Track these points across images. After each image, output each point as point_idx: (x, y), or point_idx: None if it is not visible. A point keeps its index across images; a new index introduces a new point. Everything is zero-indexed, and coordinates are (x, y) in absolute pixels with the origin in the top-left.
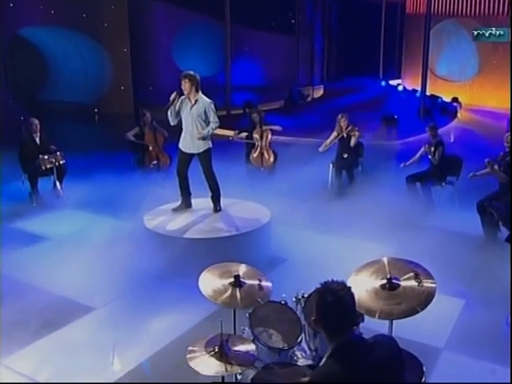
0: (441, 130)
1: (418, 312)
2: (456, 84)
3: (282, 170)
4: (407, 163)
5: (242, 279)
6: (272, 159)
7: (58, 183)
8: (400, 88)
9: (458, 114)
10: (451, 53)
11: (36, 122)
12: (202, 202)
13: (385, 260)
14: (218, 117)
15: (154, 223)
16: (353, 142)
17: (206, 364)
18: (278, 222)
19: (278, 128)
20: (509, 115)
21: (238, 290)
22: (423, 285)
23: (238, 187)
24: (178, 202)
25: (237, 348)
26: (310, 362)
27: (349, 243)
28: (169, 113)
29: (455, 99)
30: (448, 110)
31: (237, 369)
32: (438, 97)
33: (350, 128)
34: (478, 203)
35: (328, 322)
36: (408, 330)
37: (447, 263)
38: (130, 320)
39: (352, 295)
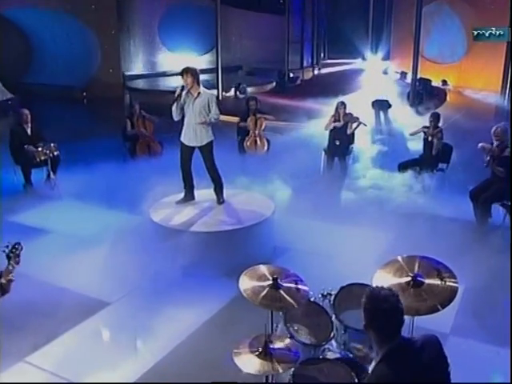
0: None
1: (443, 308)
2: (443, 66)
3: (274, 156)
4: (412, 132)
5: (279, 281)
6: (265, 147)
7: (52, 174)
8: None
9: (448, 97)
10: (440, 35)
11: (26, 112)
12: (204, 193)
13: (399, 258)
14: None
15: (160, 216)
16: (350, 130)
17: (252, 363)
18: (277, 211)
19: (271, 118)
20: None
21: (276, 291)
22: (446, 282)
23: (234, 176)
24: (182, 195)
25: (280, 347)
26: (337, 356)
27: (348, 231)
28: (174, 108)
29: (444, 82)
30: (438, 93)
31: (282, 367)
32: (427, 79)
33: (348, 117)
34: (470, 191)
35: (382, 328)
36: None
37: (444, 249)
38: (146, 313)
39: (400, 300)
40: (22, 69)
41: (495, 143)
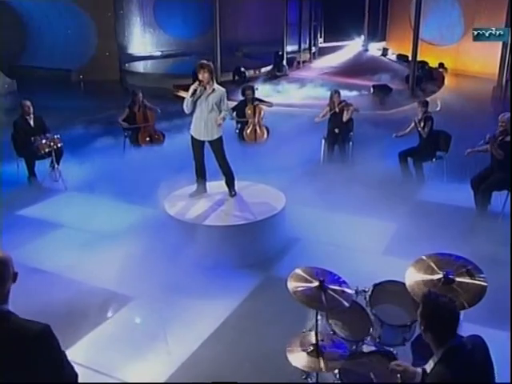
0: (430, 98)
1: (472, 306)
2: (440, 48)
3: (273, 145)
4: (398, 134)
5: (325, 284)
6: (265, 135)
7: (56, 166)
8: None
9: (445, 81)
10: (437, 16)
11: (28, 103)
12: (216, 185)
13: (424, 257)
14: None
15: (176, 210)
16: (345, 117)
17: (304, 361)
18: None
19: (269, 104)
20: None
21: (323, 293)
22: (476, 280)
23: (237, 166)
24: (194, 187)
25: (329, 344)
26: (372, 349)
27: (353, 220)
28: (187, 102)
29: (441, 65)
30: (436, 77)
31: (334, 365)
32: (424, 62)
33: (343, 104)
34: (471, 180)
35: (441, 332)
36: None
37: (445, 236)
38: (172, 307)
39: (456, 306)
40: (16, 51)
41: (499, 129)
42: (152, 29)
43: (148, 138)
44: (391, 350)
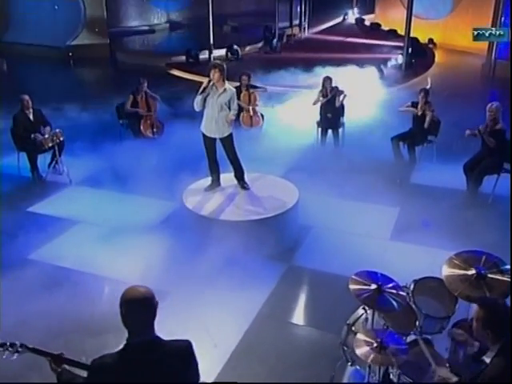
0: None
1: (507, 297)
2: (428, 23)
3: (267, 130)
4: (401, 109)
5: (383, 287)
6: (261, 121)
7: (59, 160)
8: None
9: (436, 58)
10: None
11: (27, 97)
12: (229, 178)
13: (454, 256)
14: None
15: (194, 204)
16: (337, 102)
17: (368, 355)
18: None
19: (263, 90)
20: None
21: (381, 295)
22: (505, 276)
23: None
24: (209, 182)
25: (388, 339)
26: (413, 338)
27: (357, 206)
28: (198, 100)
29: (431, 40)
30: (427, 54)
31: (396, 360)
32: (414, 38)
33: (335, 90)
34: (464, 165)
35: (500, 330)
36: None
37: (444, 219)
38: (206, 301)
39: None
40: (1, 28)
41: (488, 118)
42: (141, 3)
43: (149, 128)
44: (428, 337)
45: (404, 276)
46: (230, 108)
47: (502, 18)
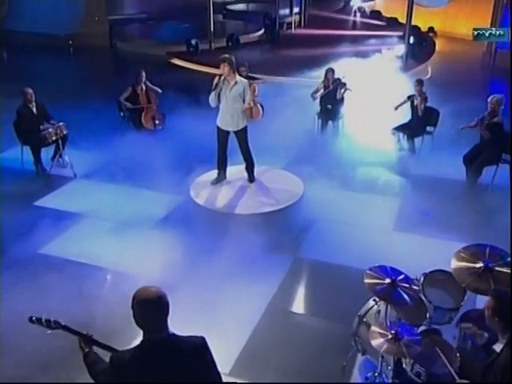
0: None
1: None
2: (429, 11)
3: (267, 121)
4: (396, 106)
5: (398, 282)
6: (261, 112)
7: (63, 153)
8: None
9: (436, 47)
10: None
11: (30, 91)
12: (235, 170)
13: (461, 250)
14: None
15: (202, 198)
16: (339, 95)
17: (384, 346)
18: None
19: (262, 80)
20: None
21: (393, 288)
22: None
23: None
24: (215, 175)
25: (402, 331)
26: (424, 328)
27: (359, 197)
28: (212, 96)
29: (431, 29)
30: (428, 43)
31: (410, 351)
32: (416, 26)
33: (337, 82)
34: (464, 157)
35: (508, 319)
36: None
37: (445, 209)
38: (218, 293)
39: None
40: (1, 15)
41: (488, 110)
42: None
43: (151, 121)
44: (436, 327)
45: (408, 266)
46: (244, 100)
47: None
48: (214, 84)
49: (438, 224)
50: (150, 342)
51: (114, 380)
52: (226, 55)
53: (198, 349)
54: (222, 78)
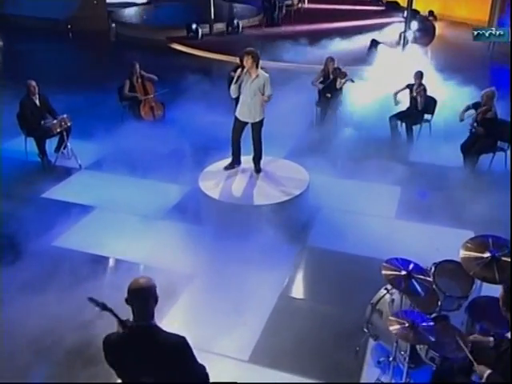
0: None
1: None
2: None
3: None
4: (396, 92)
5: (413, 274)
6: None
7: (68, 144)
8: None
9: (436, 31)
10: None
11: (33, 83)
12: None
13: (469, 241)
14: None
15: (211, 188)
16: (339, 84)
17: (401, 333)
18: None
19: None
20: None
21: (409, 280)
22: None
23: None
24: (223, 165)
25: (421, 321)
26: (434, 315)
27: (361, 186)
28: (232, 87)
29: (431, 13)
30: (429, 28)
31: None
32: (416, 11)
33: (337, 71)
34: (461, 146)
35: None
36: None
37: (445, 197)
38: (232, 282)
39: None
40: None
41: (481, 104)
42: None
43: (149, 112)
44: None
45: (412, 253)
46: (263, 93)
47: None
48: (236, 76)
49: (436, 211)
50: (132, 328)
51: (105, 358)
52: (251, 48)
53: (176, 346)
54: (245, 70)
